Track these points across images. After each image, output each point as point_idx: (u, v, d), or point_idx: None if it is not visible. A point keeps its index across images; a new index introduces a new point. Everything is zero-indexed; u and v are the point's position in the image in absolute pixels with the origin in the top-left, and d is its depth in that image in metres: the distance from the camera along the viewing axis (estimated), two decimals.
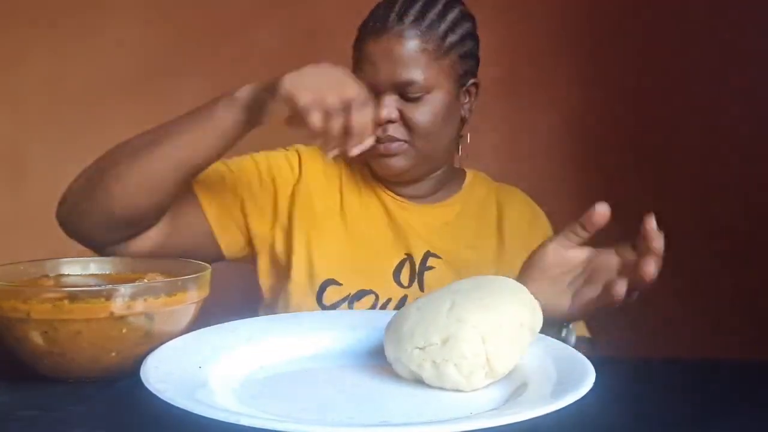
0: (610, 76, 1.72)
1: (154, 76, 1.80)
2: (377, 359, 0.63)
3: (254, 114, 0.80)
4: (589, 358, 0.58)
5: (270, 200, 0.99)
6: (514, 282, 0.63)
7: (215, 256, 0.96)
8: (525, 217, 1.06)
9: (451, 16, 0.97)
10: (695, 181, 1.68)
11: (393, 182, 1.03)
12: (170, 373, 0.55)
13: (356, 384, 0.59)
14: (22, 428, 0.52)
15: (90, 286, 0.66)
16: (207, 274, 0.67)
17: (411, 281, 0.96)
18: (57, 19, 1.78)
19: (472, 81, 1.02)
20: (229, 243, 0.96)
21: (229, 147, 0.83)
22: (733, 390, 0.63)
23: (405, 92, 0.94)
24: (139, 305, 0.60)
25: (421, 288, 0.95)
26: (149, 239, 0.88)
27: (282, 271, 0.98)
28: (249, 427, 0.44)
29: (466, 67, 1.00)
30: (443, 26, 0.96)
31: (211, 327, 0.70)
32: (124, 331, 0.60)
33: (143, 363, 0.56)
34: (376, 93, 0.93)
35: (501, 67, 1.76)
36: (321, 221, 0.98)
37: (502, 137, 1.77)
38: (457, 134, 1.03)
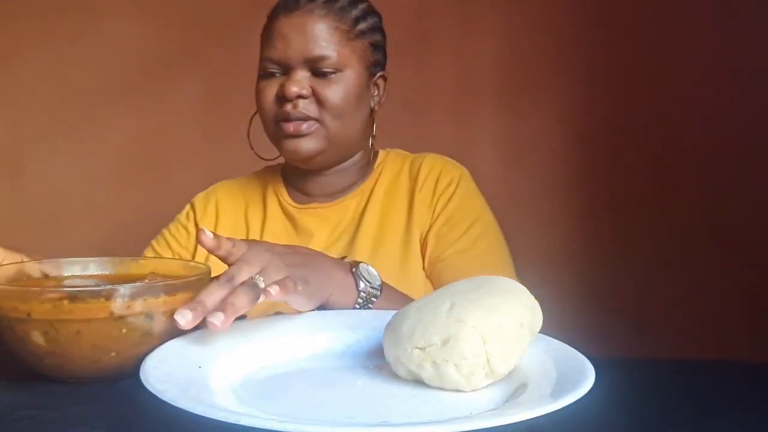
0: (610, 78, 1.72)
1: (153, 75, 1.80)
2: (377, 359, 0.63)
3: None
4: (589, 358, 0.58)
5: None
6: (514, 282, 0.63)
7: None
8: (432, 176, 1.03)
9: (361, 6, 0.99)
10: (696, 181, 1.68)
11: (305, 174, 1.02)
12: (170, 373, 0.55)
13: (356, 384, 0.59)
14: (22, 428, 0.52)
15: (90, 286, 0.66)
16: (207, 275, 0.67)
17: None
18: (56, 19, 1.78)
19: (381, 73, 1.03)
20: None
21: None
22: (734, 390, 0.63)
23: (317, 68, 0.93)
24: (139, 305, 0.60)
25: None
26: None
27: None
28: (249, 427, 0.44)
29: (376, 56, 1.01)
30: (355, 12, 0.97)
31: None
32: (123, 331, 0.60)
33: (143, 363, 0.56)
34: (287, 69, 0.94)
35: (501, 69, 1.76)
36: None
37: (502, 139, 1.77)
38: (367, 124, 1.02)
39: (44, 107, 1.80)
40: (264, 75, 0.97)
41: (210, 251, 0.66)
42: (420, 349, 0.57)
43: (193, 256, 1.03)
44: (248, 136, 1.03)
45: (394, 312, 0.64)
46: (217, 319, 0.58)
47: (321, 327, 0.70)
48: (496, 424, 0.46)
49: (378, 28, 1.02)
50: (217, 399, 0.52)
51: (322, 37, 0.93)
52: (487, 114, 1.77)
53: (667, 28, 1.68)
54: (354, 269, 0.77)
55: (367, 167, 1.06)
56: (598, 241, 1.69)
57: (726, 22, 1.65)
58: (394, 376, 0.60)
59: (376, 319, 0.68)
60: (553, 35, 1.74)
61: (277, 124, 0.95)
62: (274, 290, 0.61)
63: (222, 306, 0.59)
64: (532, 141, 1.76)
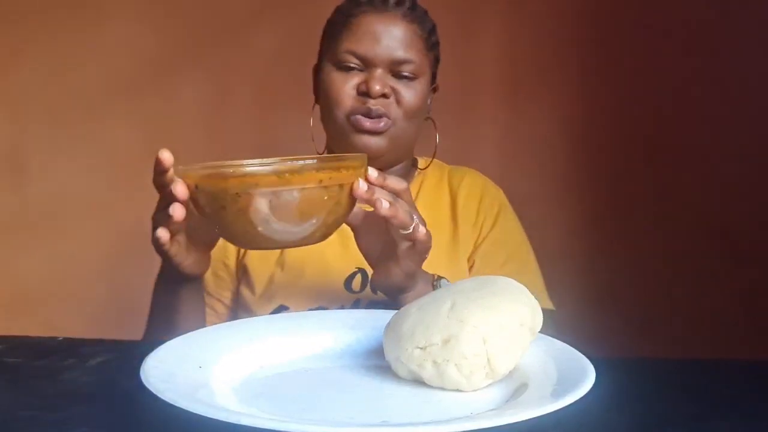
0: (611, 79, 1.72)
1: (154, 75, 1.80)
2: (377, 359, 0.63)
3: None
4: (589, 358, 0.58)
5: (225, 264, 1.02)
6: (515, 282, 0.63)
7: None
8: (475, 194, 1.05)
9: (431, 21, 1.02)
10: (695, 181, 1.68)
11: None
12: (170, 373, 0.55)
13: (356, 384, 0.59)
14: (22, 428, 0.52)
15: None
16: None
17: (363, 287, 0.95)
18: (57, 19, 1.78)
19: (434, 85, 1.06)
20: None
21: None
22: (733, 390, 0.63)
23: (399, 70, 0.95)
24: (335, 177, 0.65)
25: (374, 291, 0.94)
26: None
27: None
28: (249, 426, 0.44)
29: (436, 69, 1.05)
30: (429, 24, 1.01)
31: (211, 327, 0.71)
32: (325, 198, 0.65)
33: (143, 363, 0.56)
34: (369, 66, 0.95)
35: (502, 69, 1.76)
36: (268, 256, 0.99)
37: (503, 139, 1.77)
38: (419, 130, 1.04)
39: (48, 107, 1.80)
40: (341, 67, 0.97)
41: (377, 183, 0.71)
42: (420, 348, 0.57)
43: (238, 255, 1.02)
44: (311, 130, 1.02)
45: (393, 312, 0.64)
46: (384, 198, 0.69)
47: (321, 327, 0.70)
48: (497, 424, 0.46)
49: (439, 44, 1.04)
50: (217, 399, 0.52)
51: (408, 42, 0.95)
52: (487, 115, 1.77)
53: (667, 28, 1.68)
54: (435, 282, 0.82)
55: (408, 174, 1.07)
56: (598, 241, 1.69)
57: (726, 21, 1.65)
58: (394, 376, 0.60)
59: (376, 319, 0.68)
60: (554, 37, 1.74)
61: (350, 118, 0.96)
62: (421, 232, 0.72)
63: (390, 206, 0.69)
64: (532, 142, 1.76)
